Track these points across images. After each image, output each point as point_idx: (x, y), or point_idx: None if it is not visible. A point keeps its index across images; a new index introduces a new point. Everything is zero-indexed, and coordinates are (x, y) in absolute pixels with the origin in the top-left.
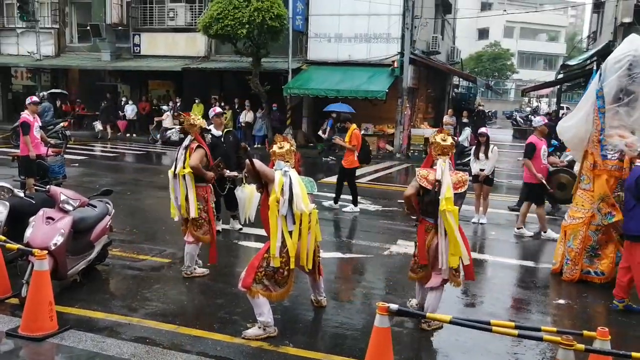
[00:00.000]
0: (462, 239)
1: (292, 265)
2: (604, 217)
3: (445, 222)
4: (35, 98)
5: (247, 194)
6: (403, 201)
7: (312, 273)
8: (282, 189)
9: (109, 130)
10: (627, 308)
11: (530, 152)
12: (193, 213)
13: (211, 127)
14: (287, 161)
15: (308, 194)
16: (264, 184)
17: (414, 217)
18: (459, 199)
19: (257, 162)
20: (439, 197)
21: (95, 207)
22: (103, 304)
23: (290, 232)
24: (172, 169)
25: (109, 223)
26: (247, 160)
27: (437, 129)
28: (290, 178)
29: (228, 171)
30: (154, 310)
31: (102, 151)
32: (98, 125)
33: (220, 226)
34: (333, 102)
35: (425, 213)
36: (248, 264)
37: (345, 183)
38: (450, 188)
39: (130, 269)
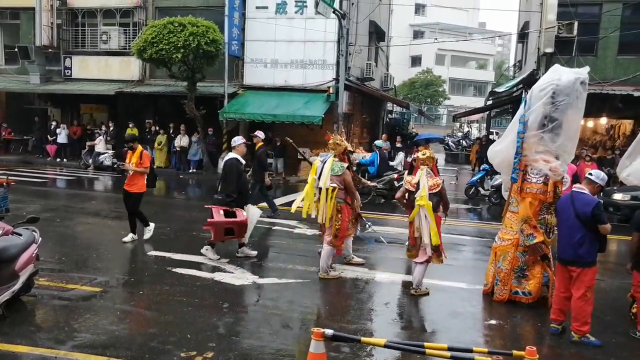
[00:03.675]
0: (435, 226)
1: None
2: (526, 238)
3: (421, 212)
4: None
5: (257, 212)
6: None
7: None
8: (316, 172)
9: None
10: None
11: None
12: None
13: (233, 153)
14: (333, 149)
15: (334, 175)
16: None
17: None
18: (433, 197)
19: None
20: (416, 196)
21: (20, 235)
22: (28, 337)
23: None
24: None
25: (35, 252)
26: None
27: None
28: (324, 164)
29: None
30: (82, 341)
31: (31, 176)
32: None
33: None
34: (269, 127)
35: (413, 207)
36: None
37: None
38: (426, 189)
39: (58, 299)
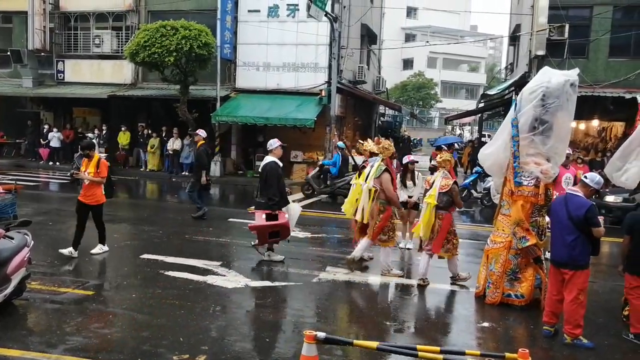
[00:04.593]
0: (428, 221)
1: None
2: (519, 241)
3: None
4: None
5: (298, 208)
6: None
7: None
8: (365, 176)
9: None
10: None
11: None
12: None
13: (271, 156)
14: (380, 153)
15: (375, 177)
16: None
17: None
18: (443, 196)
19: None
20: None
21: (12, 238)
22: (19, 341)
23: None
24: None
25: (27, 255)
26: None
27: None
28: (371, 167)
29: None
30: (74, 345)
31: (23, 180)
32: None
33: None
34: (262, 130)
35: None
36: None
37: None
38: (437, 188)
39: (50, 303)
